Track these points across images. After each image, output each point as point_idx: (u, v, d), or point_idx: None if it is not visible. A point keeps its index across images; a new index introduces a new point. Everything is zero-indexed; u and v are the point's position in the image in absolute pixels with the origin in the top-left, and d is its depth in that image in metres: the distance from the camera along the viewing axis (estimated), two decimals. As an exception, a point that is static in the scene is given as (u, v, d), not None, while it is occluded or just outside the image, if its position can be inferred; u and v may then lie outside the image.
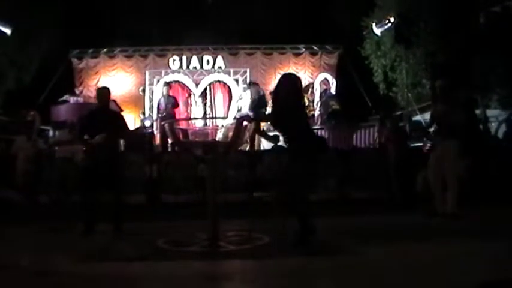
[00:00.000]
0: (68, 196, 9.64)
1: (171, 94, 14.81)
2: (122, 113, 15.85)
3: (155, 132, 14.86)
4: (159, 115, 14.22)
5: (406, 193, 9.44)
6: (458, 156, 7.69)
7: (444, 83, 7.99)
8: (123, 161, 7.92)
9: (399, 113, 14.47)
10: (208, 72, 18.28)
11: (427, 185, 8.09)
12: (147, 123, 15.73)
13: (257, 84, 15.01)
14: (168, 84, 15.41)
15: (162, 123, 12.72)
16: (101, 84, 17.77)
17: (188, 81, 18.02)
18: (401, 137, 10.26)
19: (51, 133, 13.40)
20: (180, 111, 16.08)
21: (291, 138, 5.66)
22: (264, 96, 14.37)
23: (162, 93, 14.79)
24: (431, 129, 8.05)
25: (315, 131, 14.02)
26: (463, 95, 10.62)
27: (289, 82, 5.84)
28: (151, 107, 17.68)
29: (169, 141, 12.05)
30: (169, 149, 12.48)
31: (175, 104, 14.06)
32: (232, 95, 17.98)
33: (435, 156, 7.74)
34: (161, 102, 14.21)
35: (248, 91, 15.51)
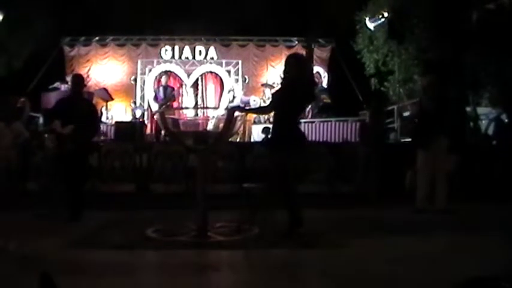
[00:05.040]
0: (57, 184, 9.60)
1: (170, 84, 14.70)
2: (113, 102, 16.01)
3: (146, 121, 14.81)
4: (159, 104, 14.03)
5: (378, 188, 9.52)
6: (449, 153, 7.73)
7: (433, 79, 7.99)
8: (89, 151, 8.03)
9: (390, 108, 14.51)
10: (200, 62, 18.26)
11: (414, 181, 8.13)
12: (138, 112, 15.71)
13: None
14: (166, 74, 15.30)
15: (154, 112, 12.69)
16: (92, 73, 17.81)
17: (180, 72, 17.97)
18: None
19: (41, 120, 13.32)
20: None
21: (284, 127, 5.66)
22: None
23: (161, 83, 14.64)
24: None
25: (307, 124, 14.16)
26: (452, 92, 10.65)
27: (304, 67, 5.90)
28: (142, 97, 17.63)
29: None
30: (161, 139, 12.45)
31: (174, 97, 13.94)
32: (224, 86, 17.98)
33: (427, 155, 7.71)
34: (160, 92, 14.08)
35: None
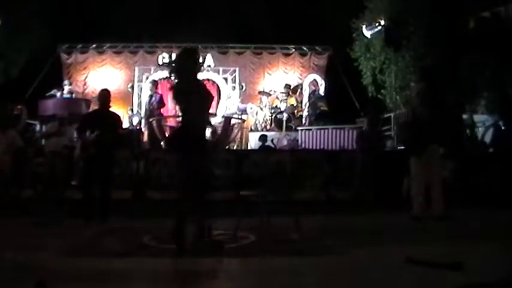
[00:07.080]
0: (56, 190, 9.59)
1: (158, 91, 14.60)
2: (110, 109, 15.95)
3: (143, 129, 14.78)
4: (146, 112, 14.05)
5: (375, 195, 9.55)
6: (443, 160, 7.72)
7: (425, 86, 7.99)
8: (114, 159, 8.33)
9: (387, 115, 14.54)
10: (198, 70, 18.19)
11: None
12: (135, 120, 15.67)
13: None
14: (154, 83, 15.24)
15: (150, 119, 12.63)
16: (89, 80, 17.81)
17: (177, 79, 17.90)
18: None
19: (38, 127, 13.32)
20: (168, 109, 15.98)
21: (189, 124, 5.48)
22: None
23: (149, 91, 14.59)
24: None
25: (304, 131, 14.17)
26: (449, 99, 10.66)
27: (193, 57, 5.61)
28: (139, 104, 17.61)
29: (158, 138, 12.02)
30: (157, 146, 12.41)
31: (161, 103, 13.82)
32: (221, 93, 17.94)
33: (420, 163, 7.68)
34: (148, 101, 14.03)
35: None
